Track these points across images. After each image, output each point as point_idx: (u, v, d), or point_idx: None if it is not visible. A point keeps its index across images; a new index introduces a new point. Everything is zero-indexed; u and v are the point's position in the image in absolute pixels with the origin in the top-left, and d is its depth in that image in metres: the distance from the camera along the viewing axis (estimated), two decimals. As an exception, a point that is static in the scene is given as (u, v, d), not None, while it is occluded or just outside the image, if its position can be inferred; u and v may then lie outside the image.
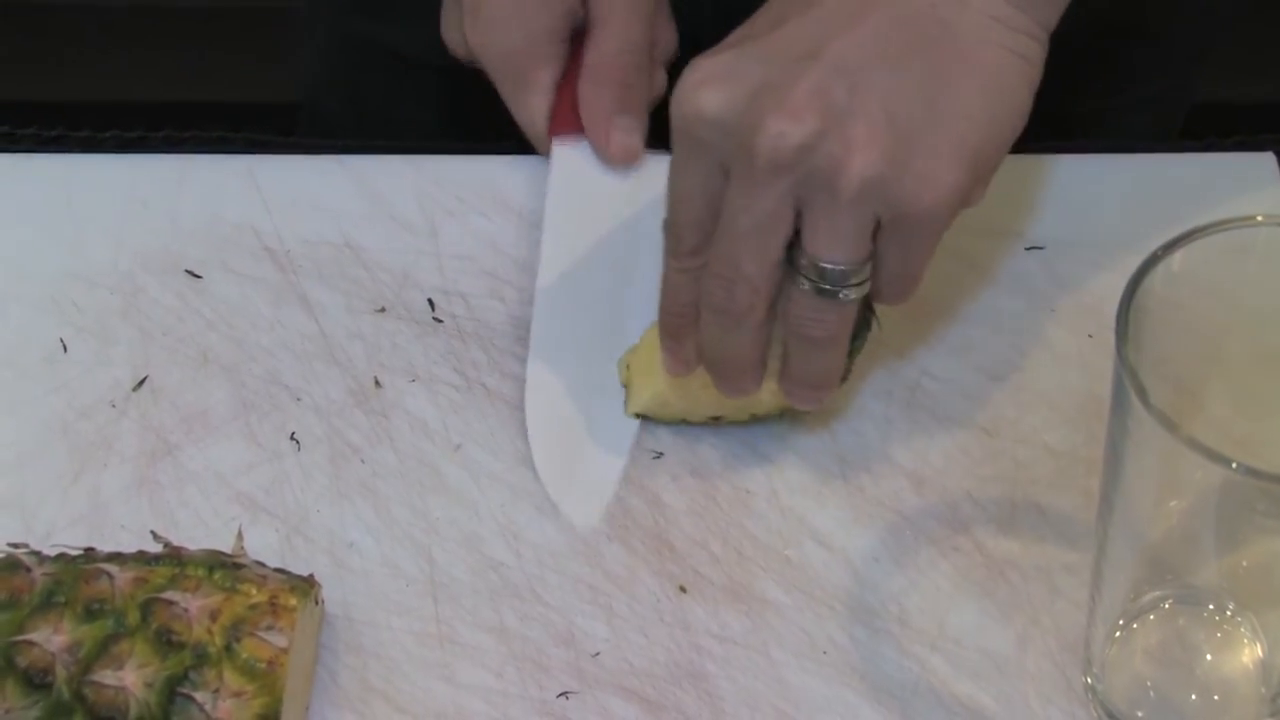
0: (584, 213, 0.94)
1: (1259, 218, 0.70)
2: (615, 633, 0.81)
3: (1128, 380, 0.66)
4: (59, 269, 0.94)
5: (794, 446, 0.88)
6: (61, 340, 0.91)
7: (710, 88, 0.74)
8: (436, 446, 0.88)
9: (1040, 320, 0.92)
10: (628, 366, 0.88)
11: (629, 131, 0.93)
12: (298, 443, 0.88)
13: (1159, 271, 0.69)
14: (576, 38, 0.95)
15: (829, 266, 0.75)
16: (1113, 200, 0.97)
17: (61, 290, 0.93)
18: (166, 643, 0.72)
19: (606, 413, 0.89)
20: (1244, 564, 0.73)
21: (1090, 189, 0.97)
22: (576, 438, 0.88)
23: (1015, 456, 0.87)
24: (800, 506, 0.86)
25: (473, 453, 0.87)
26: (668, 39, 0.96)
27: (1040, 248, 0.94)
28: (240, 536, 0.79)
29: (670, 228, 0.79)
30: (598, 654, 0.81)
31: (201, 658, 0.72)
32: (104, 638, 0.72)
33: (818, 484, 0.86)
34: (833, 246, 0.75)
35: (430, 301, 0.93)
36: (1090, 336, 0.91)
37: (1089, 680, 0.79)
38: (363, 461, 0.87)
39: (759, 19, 0.77)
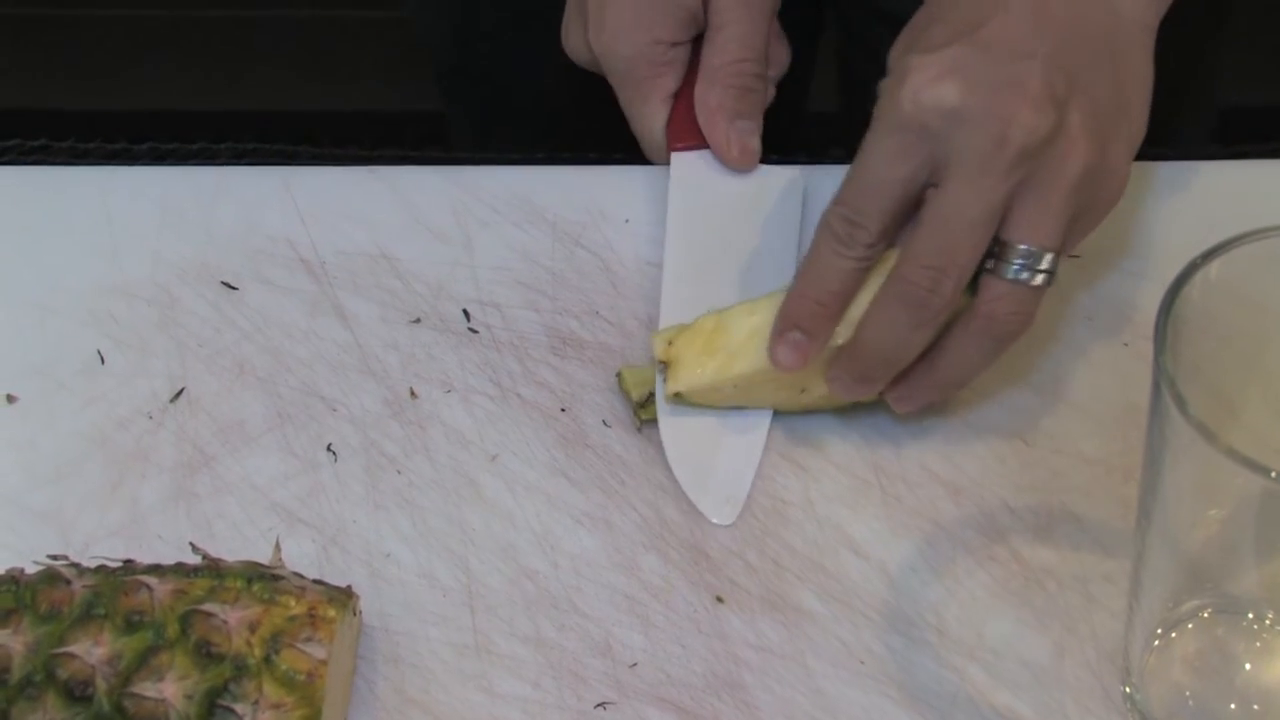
0: (705, 221, 0.94)
1: (1294, 226, 0.70)
2: (652, 643, 0.81)
3: (1166, 390, 0.66)
4: (96, 281, 0.94)
5: (830, 456, 0.88)
6: (99, 352, 0.91)
7: (949, 81, 0.77)
8: (472, 457, 0.88)
9: (1076, 329, 0.92)
10: (669, 343, 0.87)
11: (749, 134, 0.94)
12: (334, 453, 0.88)
13: (1197, 281, 0.69)
14: (695, 46, 0.96)
15: (1042, 251, 0.78)
16: (1149, 209, 0.96)
17: (98, 302, 0.93)
18: (206, 654, 0.72)
19: (738, 411, 0.89)
20: (1284, 573, 0.73)
21: (1126, 197, 0.96)
22: (709, 437, 0.88)
23: (1052, 465, 0.87)
24: (836, 516, 0.86)
25: (509, 463, 0.88)
26: (780, 56, 0.97)
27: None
28: (278, 548, 0.79)
29: (851, 216, 0.80)
30: (635, 664, 0.81)
31: (241, 669, 0.72)
32: (144, 650, 0.72)
33: (854, 494, 0.86)
34: (1051, 232, 0.78)
35: (465, 312, 0.93)
36: (1126, 345, 0.91)
37: (1127, 690, 0.78)
38: (399, 472, 0.87)
39: (946, 19, 0.80)
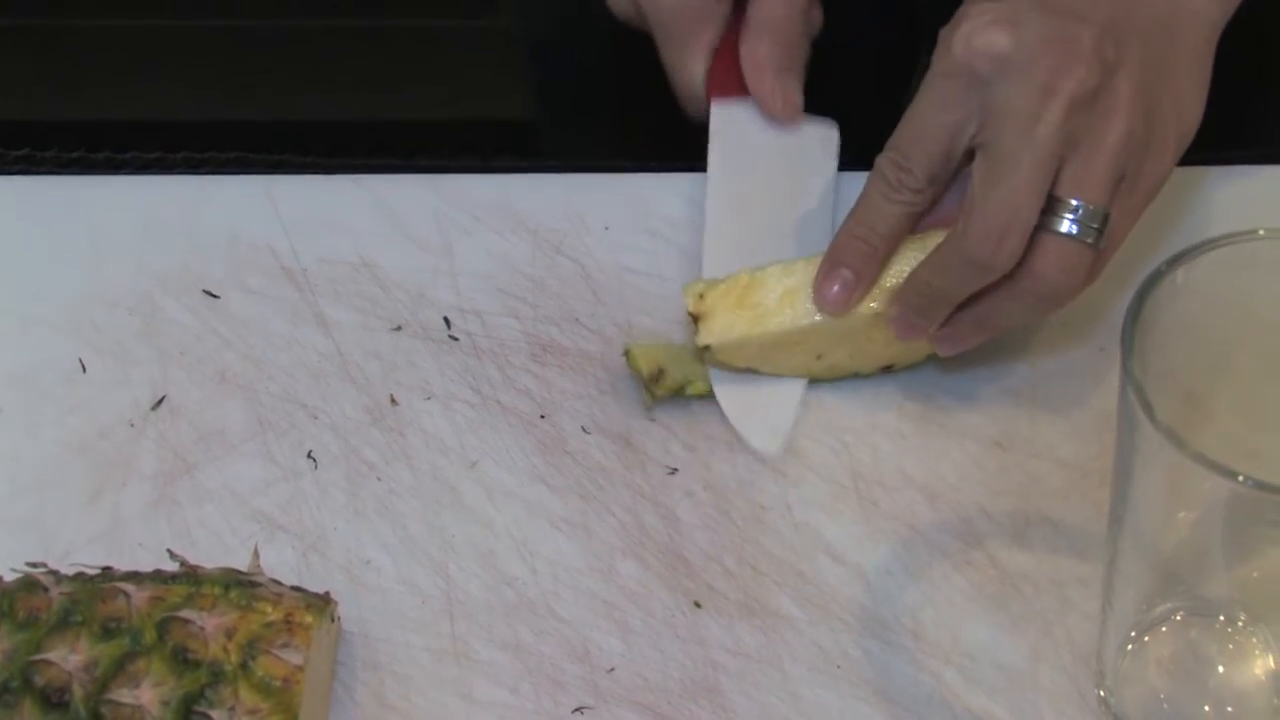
0: (745, 170, 0.96)
1: (1260, 231, 0.70)
2: (630, 648, 0.82)
3: (1134, 396, 0.67)
4: (78, 290, 0.95)
5: (808, 461, 0.88)
6: (80, 360, 0.92)
7: (1003, 29, 0.79)
8: (452, 464, 0.88)
9: (1052, 333, 0.92)
10: (700, 296, 0.88)
11: (793, 88, 0.95)
12: (315, 461, 0.88)
13: (1164, 286, 0.69)
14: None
15: (1093, 207, 0.79)
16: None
17: (80, 311, 0.94)
18: (182, 661, 0.72)
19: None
20: (1255, 575, 0.73)
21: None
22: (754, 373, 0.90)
23: (1028, 470, 0.87)
24: (814, 521, 0.86)
25: (489, 469, 0.88)
26: (817, 14, 0.98)
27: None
28: (256, 554, 0.80)
29: (899, 160, 0.83)
30: (613, 670, 0.81)
31: (217, 676, 0.72)
32: (120, 656, 0.72)
33: (831, 498, 0.87)
34: (1098, 188, 0.79)
35: (446, 319, 0.94)
36: (1102, 349, 0.92)
37: (1102, 693, 0.79)
38: (379, 479, 0.88)
39: None
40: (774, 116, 0.95)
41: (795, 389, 0.90)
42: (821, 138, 0.97)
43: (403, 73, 2.25)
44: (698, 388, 0.90)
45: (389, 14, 2.26)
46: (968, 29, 0.80)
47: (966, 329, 0.85)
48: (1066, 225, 0.79)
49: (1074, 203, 0.79)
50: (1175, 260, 0.70)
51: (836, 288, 0.85)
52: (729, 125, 0.96)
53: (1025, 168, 0.78)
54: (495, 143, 1.30)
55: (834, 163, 0.96)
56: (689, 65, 0.96)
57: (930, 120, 0.82)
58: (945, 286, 0.83)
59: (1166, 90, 0.81)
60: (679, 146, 1.01)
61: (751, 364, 0.89)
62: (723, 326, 0.87)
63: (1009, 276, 0.81)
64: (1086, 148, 0.79)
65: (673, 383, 0.89)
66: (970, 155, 0.82)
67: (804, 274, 0.86)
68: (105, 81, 2.25)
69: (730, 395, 0.89)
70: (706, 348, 0.88)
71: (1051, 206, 0.79)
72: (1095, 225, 0.79)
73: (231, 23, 2.25)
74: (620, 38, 1.02)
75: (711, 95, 0.96)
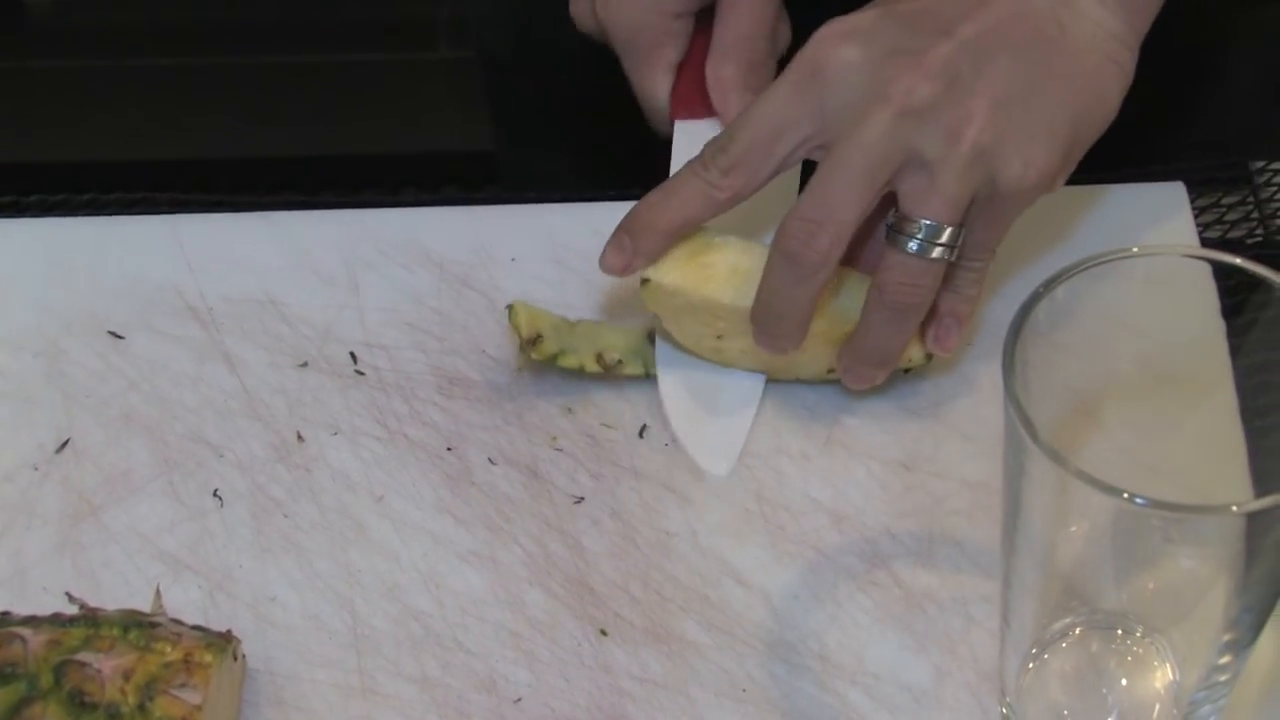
0: None
1: (1135, 249, 0.71)
2: (537, 678, 0.82)
3: (1016, 416, 0.67)
4: (-19, 334, 0.95)
5: (713, 486, 0.88)
6: (-17, 405, 0.92)
7: (854, 39, 0.82)
8: (359, 498, 0.88)
9: (956, 353, 0.92)
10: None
11: None
12: (220, 499, 0.88)
13: (1044, 306, 0.70)
14: (700, 17, 0.97)
15: (931, 223, 0.81)
16: (1026, 232, 0.97)
17: (-16, 355, 0.94)
18: (80, 704, 0.72)
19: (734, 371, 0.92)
20: (1150, 586, 0.74)
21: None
22: (707, 392, 0.91)
23: (933, 490, 0.88)
24: (720, 546, 0.86)
25: (395, 504, 0.88)
26: (784, 32, 0.99)
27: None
28: (158, 595, 0.80)
29: (721, 142, 0.84)
30: (520, 700, 0.81)
31: (115, 717, 0.72)
32: (16, 702, 0.72)
33: (737, 523, 0.87)
34: (939, 205, 0.80)
35: (352, 354, 0.94)
36: (1005, 368, 0.92)
37: (1004, 710, 0.79)
38: (285, 516, 0.88)
39: None
40: None
41: (747, 414, 0.90)
42: None
43: (343, 106, 2.25)
44: (569, 360, 0.90)
45: (324, 49, 2.26)
46: (823, 36, 0.82)
47: (858, 362, 0.86)
48: (904, 242, 0.81)
49: (915, 221, 0.81)
50: (1053, 280, 0.70)
51: (611, 249, 0.86)
52: (693, 144, 0.95)
53: (850, 170, 0.80)
54: (440, 175, 1.30)
55: (796, 182, 0.95)
56: (651, 83, 0.97)
57: (762, 108, 0.83)
58: (773, 289, 0.84)
59: (1047, 104, 0.81)
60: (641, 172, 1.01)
61: (664, 314, 0.89)
62: (669, 269, 0.87)
63: (872, 293, 0.83)
64: (928, 163, 0.80)
65: (547, 349, 0.90)
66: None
67: (758, 258, 0.86)
68: (8, 123, 2.24)
69: (681, 415, 0.90)
70: (646, 280, 0.87)
71: (897, 223, 0.81)
72: (940, 242, 0.81)
73: (133, 63, 2.25)
74: (581, 61, 1.02)
75: (675, 114, 0.97)
